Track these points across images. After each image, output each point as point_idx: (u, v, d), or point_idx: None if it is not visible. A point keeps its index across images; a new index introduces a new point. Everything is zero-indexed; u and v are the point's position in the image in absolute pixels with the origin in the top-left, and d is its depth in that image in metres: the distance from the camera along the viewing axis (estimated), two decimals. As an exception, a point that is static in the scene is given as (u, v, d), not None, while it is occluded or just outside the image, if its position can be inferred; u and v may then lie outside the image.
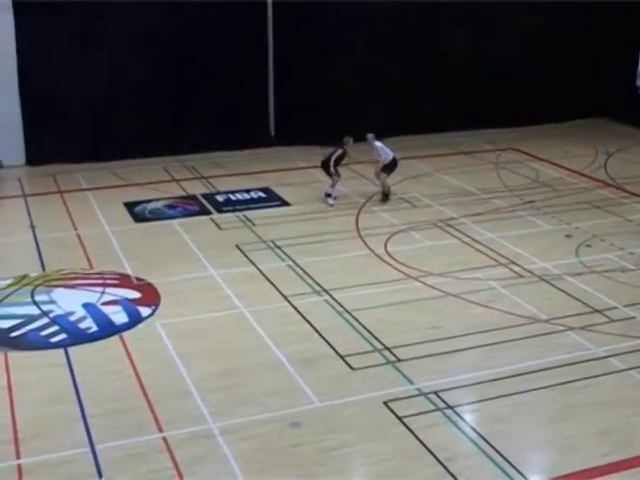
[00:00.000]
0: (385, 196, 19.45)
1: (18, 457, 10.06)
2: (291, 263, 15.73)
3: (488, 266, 15.58)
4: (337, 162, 19.48)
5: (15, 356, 12.50)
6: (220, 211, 19.04)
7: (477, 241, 16.79)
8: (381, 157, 19.24)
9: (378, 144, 19.41)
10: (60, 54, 21.75)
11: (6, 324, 13.44)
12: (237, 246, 16.66)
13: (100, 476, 9.69)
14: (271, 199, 19.89)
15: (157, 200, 19.75)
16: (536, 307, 13.83)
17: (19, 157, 22.76)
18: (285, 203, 19.56)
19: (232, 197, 20.03)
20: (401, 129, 25.10)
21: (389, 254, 16.12)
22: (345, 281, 14.89)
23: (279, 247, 16.54)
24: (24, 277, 15.26)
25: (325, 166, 19.62)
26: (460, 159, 23.26)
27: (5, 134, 22.38)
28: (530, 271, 15.32)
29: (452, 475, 9.63)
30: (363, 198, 19.63)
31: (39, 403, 11.22)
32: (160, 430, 10.55)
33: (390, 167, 19.37)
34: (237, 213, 18.85)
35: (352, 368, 12.01)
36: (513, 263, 15.66)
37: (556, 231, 17.44)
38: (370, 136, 19.48)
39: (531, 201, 19.36)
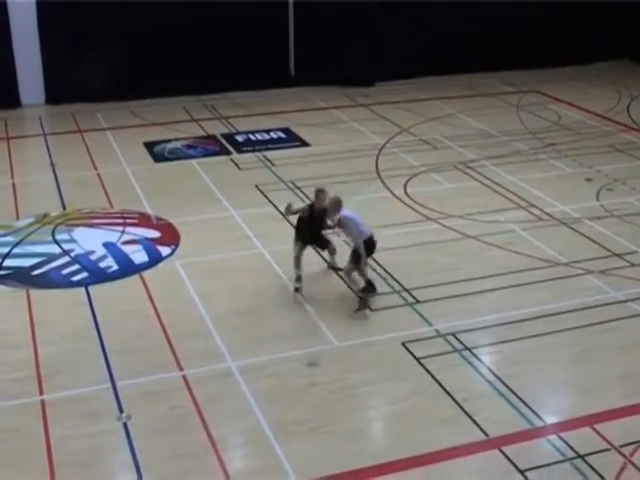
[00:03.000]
0: (369, 287, 12.27)
1: (41, 393, 10.21)
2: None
3: (508, 209, 15.52)
4: (298, 228, 12.70)
5: (37, 294, 12.62)
6: (240, 151, 19.01)
7: (497, 183, 16.71)
8: (353, 236, 12.27)
9: (347, 214, 12.19)
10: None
11: (28, 262, 13.55)
12: (257, 186, 16.66)
13: (121, 412, 9.83)
14: (291, 139, 19.82)
15: (177, 140, 19.73)
16: (555, 250, 13.80)
17: (39, 96, 22.76)
18: (305, 143, 19.49)
19: (252, 137, 19.98)
20: (423, 70, 24.95)
21: (409, 195, 16.08)
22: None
23: (298, 187, 16.52)
24: (45, 216, 15.34)
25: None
26: (481, 101, 23.05)
27: (25, 73, 22.40)
28: (550, 214, 15.26)
29: (468, 415, 9.70)
30: (383, 139, 19.51)
31: (61, 340, 11.35)
32: (180, 368, 10.66)
33: (368, 249, 12.23)
34: (257, 153, 18.81)
35: (371, 309, 12.06)
36: (533, 206, 15.59)
37: (577, 174, 17.32)
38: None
39: (552, 144, 19.21)
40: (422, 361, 10.76)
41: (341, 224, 12.18)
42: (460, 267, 13.27)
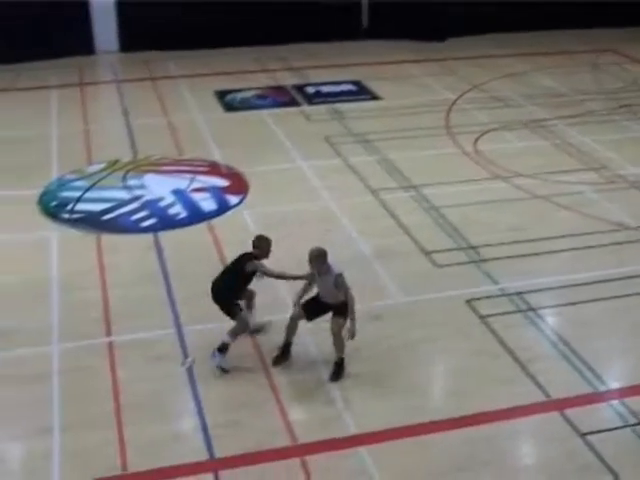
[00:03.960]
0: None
1: (109, 334, 10.44)
2: (379, 157, 15.68)
3: (578, 170, 15.29)
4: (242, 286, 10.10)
5: (107, 239, 12.84)
6: (310, 103, 18.99)
7: (569, 144, 16.46)
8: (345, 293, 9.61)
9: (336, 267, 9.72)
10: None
11: (98, 207, 13.78)
12: (326, 138, 16.65)
13: (185, 357, 9.99)
14: (362, 92, 19.73)
15: (247, 90, 19.78)
16: (626, 214, 13.58)
17: (113, 43, 22.97)
18: (376, 97, 19.39)
19: (322, 89, 19.92)
20: (495, 25, 24.54)
21: (478, 153, 15.94)
22: (433, 178, 14.81)
23: (368, 141, 16.48)
24: (116, 162, 15.55)
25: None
26: (556, 59, 22.61)
27: (99, 20, 22.60)
28: (622, 177, 15.00)
29: (530, 376, 9.68)
30: (454, 94, 19.31)
31: (129, 285, 11.56)
32: (245, 316, 10.79)
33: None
34: (327, 105, 18.76)
35: (436, 265, 12.05)
36: (604, 168, 15.34)
37: (652, 137, 16.99)
38: (315, 254, 9.71)
39: (627, 105, 18.80)
40: (486, 320, 10.74)
41: (337, 284, 9.62)
42: (527, 227, 13.15)
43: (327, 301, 9.82)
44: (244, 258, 9.89)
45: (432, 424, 8.96)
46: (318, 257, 9.70)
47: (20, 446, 8.88)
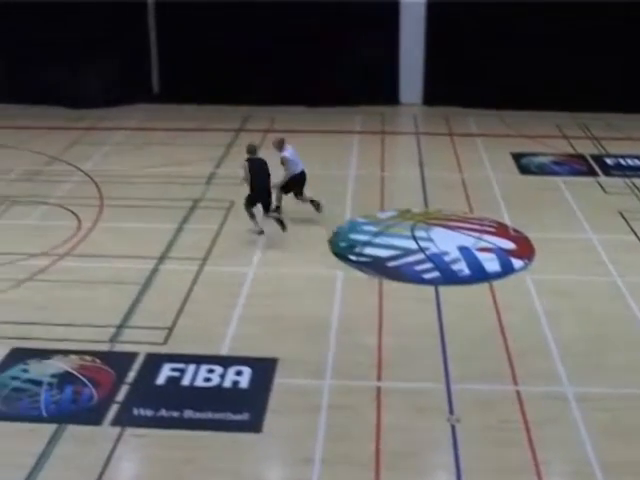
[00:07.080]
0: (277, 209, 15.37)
1: (379, 379, 10.65)
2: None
3: None
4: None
5: (389, 285, 13.14)
6: (608, 174, 18.50)
7: None
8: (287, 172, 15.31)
9: (287, 154, 15.15)
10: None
11: (385, 253, 14.13)
12: (620, 213, 16.14)
13: (451, 413, 9.99)
14: (663, 169, 19.01)
15: (545, 155, 19.61)
16: None
17: (417, 96, 23.67)
18: (677, 176, 18.58)
19: (622, 162, 19.37)
20: None
21: None
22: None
23: (664, 220, 15.82)
24: (407, 211, 15.91)
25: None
26: None
27: (407, 73, 23.44)
28: None
29: None
30: None
31: (404, 333, 11.74)
32: (515, 383, 10.63)
33: (300, 181, 15.50)
34: (626, 179, 18.21)
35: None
36: None
37: None
38: (274, 143, 15.35)
39: None
40: None
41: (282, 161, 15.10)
42: None
43: None
44: (264, 163, 14.64)
45: None
46: (276, 144, 15.11)
47: (283, 471, 9.27)
